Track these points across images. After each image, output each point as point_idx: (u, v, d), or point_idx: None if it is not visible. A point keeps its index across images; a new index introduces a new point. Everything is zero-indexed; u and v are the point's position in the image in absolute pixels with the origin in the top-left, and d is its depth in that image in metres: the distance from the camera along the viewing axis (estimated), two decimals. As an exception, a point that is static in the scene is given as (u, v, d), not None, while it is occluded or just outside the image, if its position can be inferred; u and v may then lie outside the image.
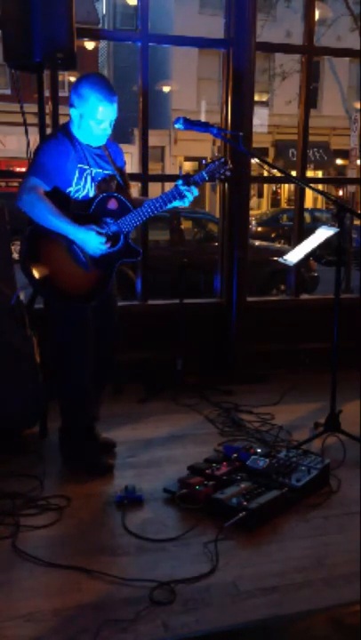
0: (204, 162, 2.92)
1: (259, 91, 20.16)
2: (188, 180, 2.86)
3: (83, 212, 2.82)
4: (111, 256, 2.88)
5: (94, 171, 2.89)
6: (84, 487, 2.88)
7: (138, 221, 2.88)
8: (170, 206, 2.90)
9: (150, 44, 4.20)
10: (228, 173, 2.90)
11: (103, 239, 2.80)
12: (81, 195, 2.85)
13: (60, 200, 2.78)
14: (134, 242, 2.99)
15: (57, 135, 2.88)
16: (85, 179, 2.85)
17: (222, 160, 2.90)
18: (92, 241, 2.78)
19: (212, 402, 3.98)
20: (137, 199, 3.02)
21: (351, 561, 2.35)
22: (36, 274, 2.82)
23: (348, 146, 12.76)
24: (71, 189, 2.83)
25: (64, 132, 2.87)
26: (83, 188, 2.85)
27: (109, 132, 2.87)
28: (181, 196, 2.86)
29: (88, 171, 2.86)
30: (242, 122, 4.27)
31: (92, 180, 2.87)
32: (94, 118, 2.78)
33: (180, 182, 2.86)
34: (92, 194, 2.87)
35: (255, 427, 3.59)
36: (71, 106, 2.81)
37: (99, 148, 2.92)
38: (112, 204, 2.87)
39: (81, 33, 3.72)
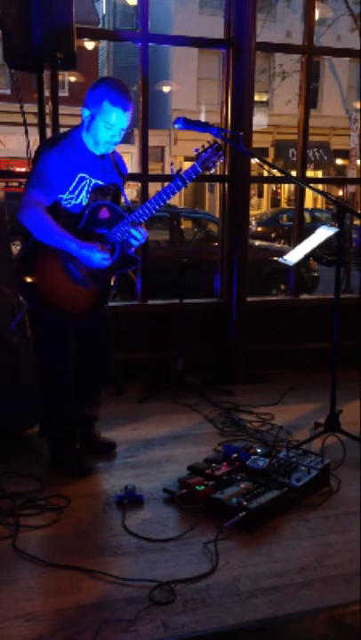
0: (197, 151, 2.80)
1: (259, 91, 20.16)
2: (181, 177, 2.78)
3: (74, 226, 2.76)
4: (109, 268, 2.83)
5: (93, 181, 2.81)
6: (84, 487, 2.88)
7: (135, 228, 2.82)
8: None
9: (150, 43, 4.19)
10: (222, 159, 2.83)
11: (107, 254, 2.76)
12: (73, 203, 2.79)
13: (51, 209, 2.74)
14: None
15: (59, 142, 2.80)
16: (82, 188, 2.79)
17: (215, 146, 2.81)
18: (95, 257, 2.73)
19: (212, 402, 3.98)
20: None
21: (351, 561, 2.36)
22: (32, 293, 2.80)
23: (348, 146, 12.79)
24: (64, 196, 2.77)
25: (69, 138, 2.80)
26: (76, 197, 2.79)
27: (118, 139, 2.79)
28: (178, 186, 2.79)
29: (87, 180, 2.80)
30: (242, 122, 4.26)
31: (88, 191, 2.81)
32: (105, 121, 2.71)
33: (176, 179, 2.78)
34: (84, 203, 2.80)
35: (255, 427, 3.59)
36: (84, 106, 2.74)
37: (105, 158, 2.87)
38: (103, 214, 2.81)
39: (81, 33, 3.72)
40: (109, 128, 2.74)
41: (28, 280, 2.79)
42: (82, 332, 2.98)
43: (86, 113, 2.76)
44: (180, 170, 2.84)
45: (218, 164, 2.85)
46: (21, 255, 2.81)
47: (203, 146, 2.83)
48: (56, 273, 2.79)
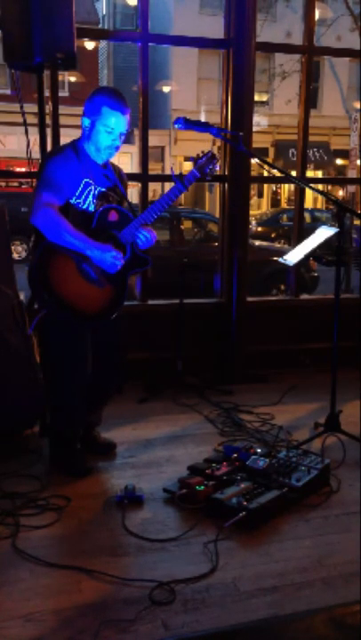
0: (192, 159, 2.90)
1: (259, 91, 20.16)
2: (182, 181, 2.85)
3: (86, 227, 2.79)
4: (122, 268, 2.86)
5: (98, 188, 2.86)
6: (84, 487, 2.88)
7: (140, 229, 2.87)
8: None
9: (150, 43, 4.19)
10: (217, 167, 2.91)
11: (119, 255, 2.80)
12: (82, 207, 2.83)
13: (62, 209, 2.77)
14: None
15: (63, 149, 2.88)
16: (88, 194, 2.83)
17: (209, 154, 2.89)
18: (108, 258, 2.77)
19: (212, 402, 3.98)
20: None
21: (351, 561, 2.36)
22: (49, 296, 2.81)
23: (348, 146, 12.76)
24: (72, 201, 2.81)
25: (72, 146, 2.87)
26: (83, 202, 2.83)
27: (118, 144, 2.85)
28: (179, 191, 2.86)
29: (92, 186, 2.84)
30: (242, 122, 4.26)
31: (94, 196, 2.85)
32: (106, 125, 2.78)
33: (177, 183, 2.86)
34: (91, 208, 2.84)
35: (255, 427, 3.59)
36: (84, 116, 2.82)
37: (106, 167, 2.92)
38: (113, 216, 2.87)
39: (81, 33, 3.72)
40: (110, 132, 2.80)
41: (44, 283, 2.80)
42: (96, 334, 2.98)
43: (86, 122, 2.82)
44: (180, 173, 2.90)
45: (215, 171, 2.93)
46: (35, 259, 2.83)
47: (198, 155, 2.92)
48: (71, 274, 2.81)
